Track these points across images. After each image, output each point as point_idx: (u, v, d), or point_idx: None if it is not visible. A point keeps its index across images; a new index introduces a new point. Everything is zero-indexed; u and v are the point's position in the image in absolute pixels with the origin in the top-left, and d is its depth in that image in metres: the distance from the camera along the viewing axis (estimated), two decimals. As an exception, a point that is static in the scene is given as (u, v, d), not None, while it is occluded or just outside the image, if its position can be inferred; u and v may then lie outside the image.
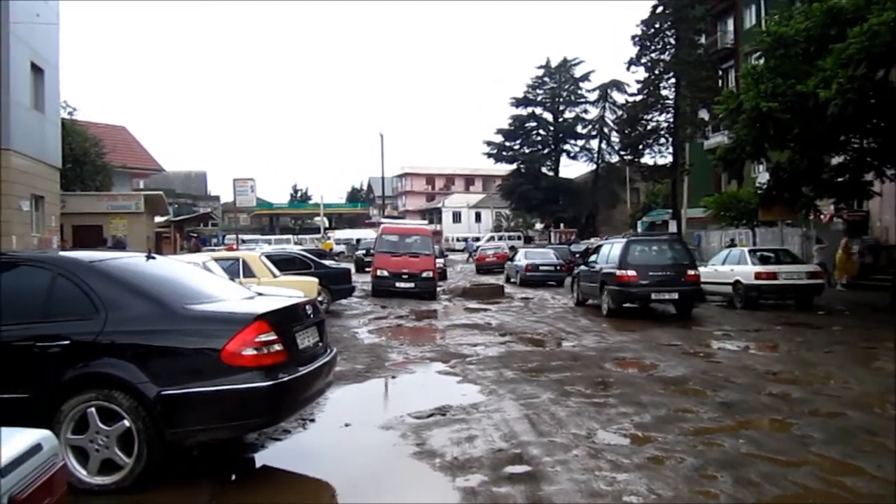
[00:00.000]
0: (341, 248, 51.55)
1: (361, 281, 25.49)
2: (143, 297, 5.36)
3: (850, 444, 6.19)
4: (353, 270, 24.69)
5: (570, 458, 5.85)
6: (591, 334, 13.74)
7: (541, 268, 27.94)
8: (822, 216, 23.35)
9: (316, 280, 15.59)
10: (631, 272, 15.94)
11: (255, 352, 5.13)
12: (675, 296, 16.22)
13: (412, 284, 21.14)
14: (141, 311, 5.27)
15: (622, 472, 5.47)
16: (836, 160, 19.06)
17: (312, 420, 7.22)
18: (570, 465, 5.65)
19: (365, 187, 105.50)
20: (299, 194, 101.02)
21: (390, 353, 11.58)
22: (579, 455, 5.92)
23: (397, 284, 21.09)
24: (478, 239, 57.93)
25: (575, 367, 10.06)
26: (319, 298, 14.81)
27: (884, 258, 23.70)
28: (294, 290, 10.31)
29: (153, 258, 6.32)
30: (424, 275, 21.33)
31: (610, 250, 17.53)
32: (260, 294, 6.70)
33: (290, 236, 60.05)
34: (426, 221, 55.90)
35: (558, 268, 28.15)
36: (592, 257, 19.03)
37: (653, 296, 16.14)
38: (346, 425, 7.01)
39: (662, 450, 6.08)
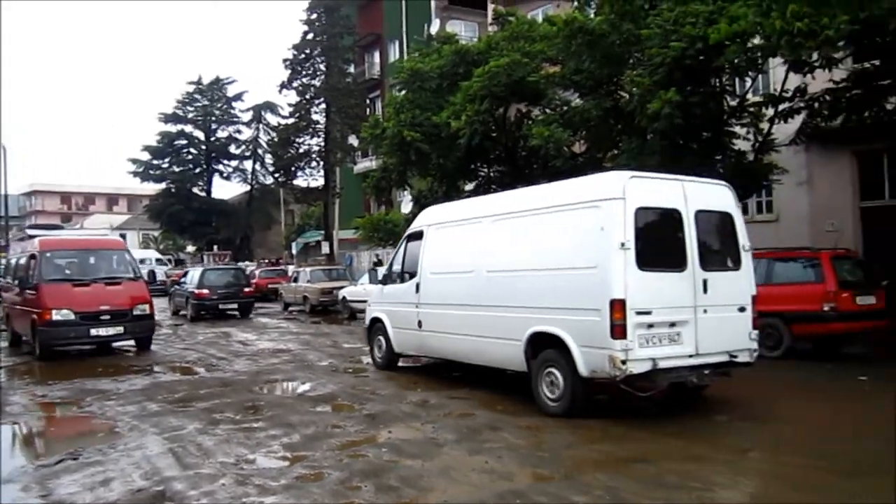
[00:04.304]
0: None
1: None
2: None
3: (476, 441, 6.90)
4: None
5: (216, 488, 5.68)
6: (244, 358, 13.54)
7: None
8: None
9: None
10: (205, 290, 23.16)
11: None
12: (236, 305, 23.88)
13: (120, 329, 13.99)
14: None
15: (270, 495, 5.46)
16: (468, 187, 21.18)
17: None
18: (217, 496, 5.49)
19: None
20: None
21: (11, 395, 10.18)
22: (227, 484, 5.77)
23: (94, 332, 13.71)
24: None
25: (225, 394, 9.81)
26: None
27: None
28: None
29: None
30: (137, 311, 14.28)
31: (194, 275, 24.33)
32: None
33: None
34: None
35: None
36: (183, 279, 25.68)
37: (220, 306, 23.45)
38: (-51, 484, 6.02)
39: (310, 467, 6.19)
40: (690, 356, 7.49)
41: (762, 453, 6.44)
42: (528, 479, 5.73)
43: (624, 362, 7.04)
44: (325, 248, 38.39)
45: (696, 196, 7.90)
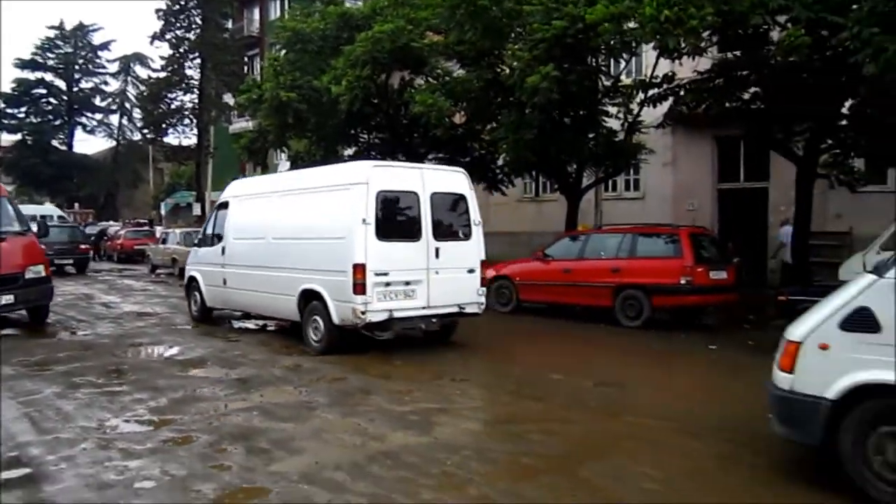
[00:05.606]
0: None
1: None
2: None
3: (348, 405, 6.97)
4: None
5: (77, 452, 5.47)
6: (107, 321, 12.98)
7: None
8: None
9: None
10: (42, 246, 21.29)
11: None
12: (72, 261, 25.03)
13: (10, 298, 11.08)
14: None
15: (135, 459, 5.31)
16: (348, 152, 20.98)
17: None
18: (78, 461, 5.29)
19: None
20: None
21: None
22: (88, 448, 5.57)
23: None
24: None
25: (86, 357, 9.39)
26: None
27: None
28: None
29: None
30: (30, 274, 11.47)
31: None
32: None
33: None
34: None
35: None
36: None
37: (56, 261, 22.11)
38: None
39: (178, 431, 6.06)
40: (423, 308, 9.41)
41: (619, 415, 6.84)
42: (400, 440, 5.85)
43: (364, 313, 8.89)
44: (197, 210, 37.03)
45: (433, 181, 9.78)
